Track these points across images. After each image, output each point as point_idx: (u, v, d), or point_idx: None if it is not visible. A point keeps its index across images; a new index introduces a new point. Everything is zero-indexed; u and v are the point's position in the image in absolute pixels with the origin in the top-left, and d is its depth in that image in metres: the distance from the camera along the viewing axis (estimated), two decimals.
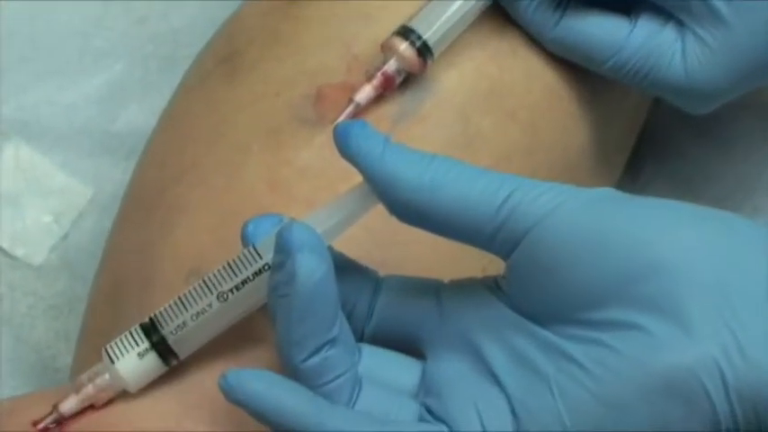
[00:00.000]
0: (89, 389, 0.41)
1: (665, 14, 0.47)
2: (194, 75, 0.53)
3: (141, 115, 0.60)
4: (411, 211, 0.39)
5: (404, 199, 0.39)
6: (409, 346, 0.41)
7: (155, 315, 0.41)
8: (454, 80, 0.49)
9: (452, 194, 0.39)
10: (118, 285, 0.49)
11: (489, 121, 0.49)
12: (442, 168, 0.39)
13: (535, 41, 0.50)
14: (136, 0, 0.66)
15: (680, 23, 0.47)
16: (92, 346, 0.47)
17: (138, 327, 0.41)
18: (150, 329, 0.41)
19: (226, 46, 0.53)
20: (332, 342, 0.38)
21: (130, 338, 0.41)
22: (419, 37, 0.47)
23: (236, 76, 0.51)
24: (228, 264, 0.40)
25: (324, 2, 0.51)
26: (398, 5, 0.48)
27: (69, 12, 0.65)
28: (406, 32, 0.47)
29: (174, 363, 0.42)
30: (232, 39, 0.53)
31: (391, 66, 0.46)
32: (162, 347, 0.41)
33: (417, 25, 0.47)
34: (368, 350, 0.40)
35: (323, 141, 0.46)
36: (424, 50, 0.47)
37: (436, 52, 0.48)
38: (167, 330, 0.41)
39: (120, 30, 0.64)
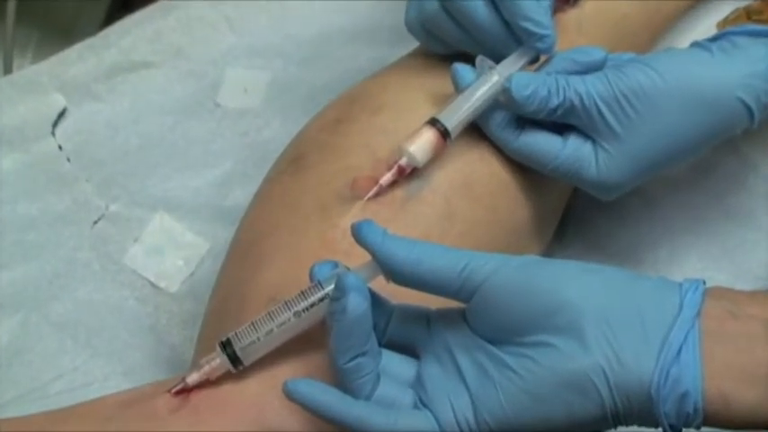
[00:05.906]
0: (206, 368, 0.50)
1: (584, 135, 0.56)
2: (274, 170, 0.62)
3: (243, 195, 0.68)
4: (401, 279, 0.48)
5: (396, 271, 0.48)
6: (409, 350, 0.50)
7: (233, 335, 0.49)
8: (441, 176, 0.57)
9: (428, 267, 0.47)
10: (223, 306, 0.58)
11: (463, 203, 0.58)
12: (421, 250, 0.48)
13: (495, 150, 0.58)
14: (241, 119, 0.77)
15: (593, 141, 0.56)
16: (206, 345, 0.55)
17: (228, 337, 0.49)
18: (227, 344, 0.50)
19: (294, 152, 0.62)
20: (364, 353, 0.47)
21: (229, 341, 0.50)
22: (443, 126, 0.55)
23: (301, 171, 0.59)
24: (302, 292, 0.48)
25: (358, 123, 0.59)
26: (409, 123, 0.57)
27: (196, 128, 0.77)
28: (433, 122, 0.55)
29: (241, 368, 0.50)
30: (298, 147, 0.62)
31: (404, 161, 0.55)
32: (233, 356, 0.50)
33: (442, 117, 0.56)
34: (385, 353, 0.49)
35: (355, 213, 0.54)
36: (445, 134, 0.55)
37: (453, 135, 0.56)
38: (238, 347, 0.49)
39: (229, 140, 0.76)
